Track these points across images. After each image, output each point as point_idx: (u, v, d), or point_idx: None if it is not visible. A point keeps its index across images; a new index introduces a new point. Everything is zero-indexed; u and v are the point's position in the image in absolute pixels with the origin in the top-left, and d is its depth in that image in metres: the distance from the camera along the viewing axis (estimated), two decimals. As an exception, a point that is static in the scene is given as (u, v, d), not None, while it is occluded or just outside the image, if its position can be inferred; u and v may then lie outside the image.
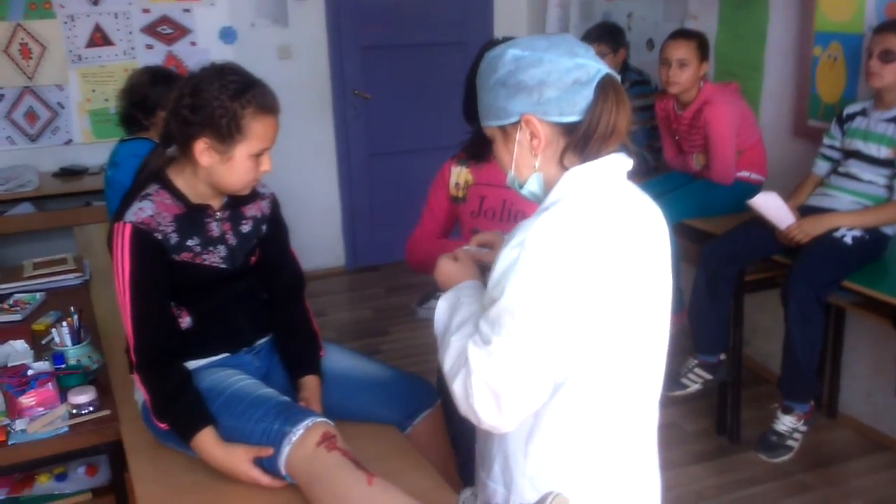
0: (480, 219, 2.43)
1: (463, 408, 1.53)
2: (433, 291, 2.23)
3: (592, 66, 1.50)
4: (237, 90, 2.03)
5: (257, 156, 2.08)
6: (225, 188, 2.15)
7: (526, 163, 1.56)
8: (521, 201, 2.29)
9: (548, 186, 1.56)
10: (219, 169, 2.08)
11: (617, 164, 1.56)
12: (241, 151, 2.05)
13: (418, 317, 2.22)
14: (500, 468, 1.67)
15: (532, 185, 1.58)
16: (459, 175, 2.49)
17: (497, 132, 1.60)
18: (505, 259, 1.47)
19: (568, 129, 1.52)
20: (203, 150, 2.05)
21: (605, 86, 1.50)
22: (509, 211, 2.41)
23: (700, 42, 3.94)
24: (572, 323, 1.45)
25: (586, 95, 1.49)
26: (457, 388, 1.52)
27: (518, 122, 1.54)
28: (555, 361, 1.47)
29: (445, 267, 1.78)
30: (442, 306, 1.69)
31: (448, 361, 1.56)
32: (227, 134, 2.02)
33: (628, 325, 1.53)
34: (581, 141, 1.51)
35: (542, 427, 1.57)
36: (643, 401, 1.64)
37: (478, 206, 2.45)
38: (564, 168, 1.54)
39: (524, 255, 1.44)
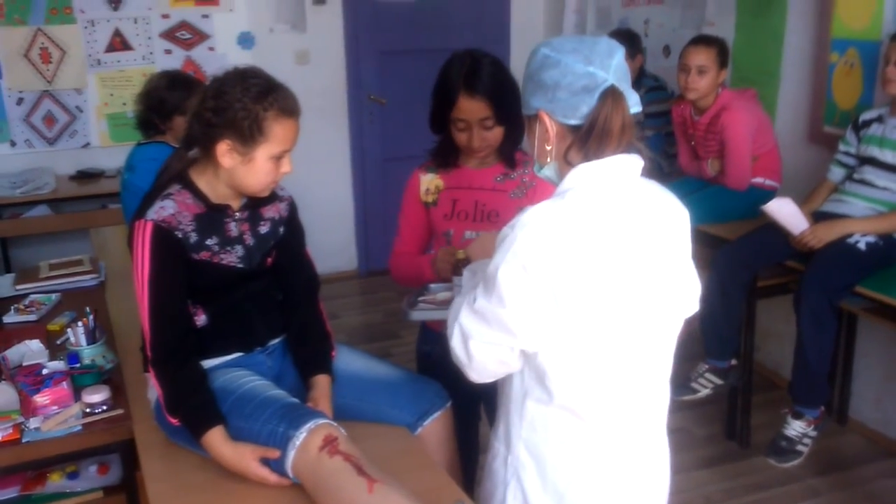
0: (454, 221, 2.49)
1: (450, 349, 1.75)
2: (418, 293, 2.28)
3: (601, 75, 1.60)
4: (259, 93, 2.05)
5: (278, 158, 2.11)
6: (245, 189, 2.16)
7: (543, 151, 1.71)
8: (493, 202, 2.45)
9: (562, 177, 1.68)
10: (240, 170, 2.10)
11: (624, 164, 1.65)
12: (263, 153, 2.08)
13: (411, 319, 2.24)
14: (503, 429, 1.82)
15: (548, 171, 1.73)
16: (431, 182, 2.54)
17: (525, 119, 1.77)
18: (501, 236, 1.65)
19: (573, 129, 1.65)
20: (225, 151, 2.07)
21: (605, 94, 1.60)
22: (482, 211, 2.47)
23: (720, 49, 3.95)
24: (543, 300, 1.58)
25: (589, 102, 1.61)
26: (448, 332, 1.75)
27: (536, 116, 1.68)
28: (521, 329, 1.62)
29: (482, 244, 2.06)
30: (466, 276, 1.93)
31: (451, 316, 1.77)
32: (248, 136, 2.05)
33: (617, 310, 1.62)
34: (582, 140, 1.63)
35: (531, 394, 1.72)
36: (638, 383, 1.73)
37: (451, 209, 2.50)
38: (569, 163, 1.66)
39: (512, 234, 1.60)
